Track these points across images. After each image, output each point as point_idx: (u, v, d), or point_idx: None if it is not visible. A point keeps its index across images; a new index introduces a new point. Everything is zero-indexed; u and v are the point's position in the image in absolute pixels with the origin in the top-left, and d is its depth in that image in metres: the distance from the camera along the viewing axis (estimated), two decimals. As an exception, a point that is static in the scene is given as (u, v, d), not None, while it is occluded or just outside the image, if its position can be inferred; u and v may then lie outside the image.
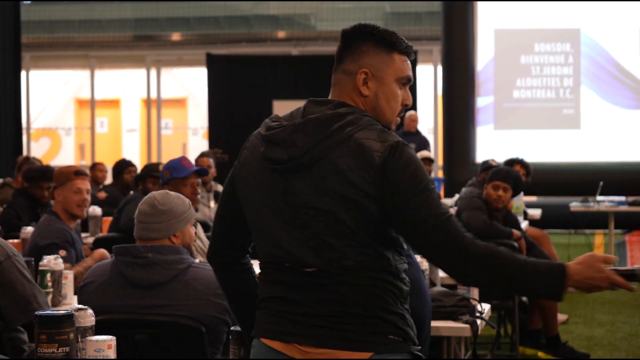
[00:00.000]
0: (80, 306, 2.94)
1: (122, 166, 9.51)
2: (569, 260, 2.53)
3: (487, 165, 8.23)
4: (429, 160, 10.38)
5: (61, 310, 2.82)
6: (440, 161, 14.48)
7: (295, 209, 2.46)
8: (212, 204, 8.69)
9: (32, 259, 4.41)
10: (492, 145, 13.17)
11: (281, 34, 16.77)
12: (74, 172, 5.25)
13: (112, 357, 2.83)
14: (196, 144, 18.37)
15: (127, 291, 3.36)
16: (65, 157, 19.10)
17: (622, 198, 10.77)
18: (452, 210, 7.17)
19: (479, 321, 4.00)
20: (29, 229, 5.65)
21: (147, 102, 17.43)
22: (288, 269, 2.48)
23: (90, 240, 6.94)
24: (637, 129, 12.99)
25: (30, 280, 3.46)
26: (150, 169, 7.11)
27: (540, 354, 6.61)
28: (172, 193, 3.53)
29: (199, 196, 5.06)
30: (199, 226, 5.08)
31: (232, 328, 2.97)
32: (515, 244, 6.34)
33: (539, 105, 13.26)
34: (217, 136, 14.90)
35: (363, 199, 2.41)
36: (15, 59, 14.84)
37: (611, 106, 13.06)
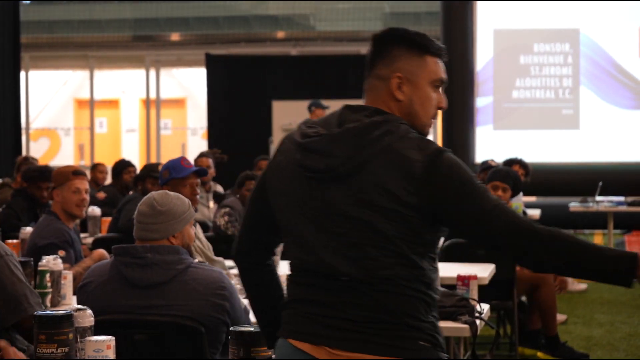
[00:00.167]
0: (80, 306, 2.94)
1: (122, 166, 9.50)
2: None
3: (486, 166, 8.23)
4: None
5: (60, 311, 2.82)
6: (439, 161, 14.46)
7: (331, 218, 2.44)
8: (211, 204, 8.69)
9: (31, 259, 4.41)
10: (491, 145, 13.17)
11: (280, 34, 16.76)
12: (73, 172, 5.24)
13: (111, 357, 2.84)
14: (195, 144, 18.35)
15: (127, 291, 3.35)
16: (64, 157, 19.08)
17: (621, 198, 10.77)
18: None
19: (478, 321, 4.00)
20: (28, 229, 5.65)
21: (147, 103, 17.43)
22: (320, 275, 2.47)
23: (90, 240, 6.94)
24: (636, 129, 12.98)
25: (22, 280, 3.46)
26: (150, 169, 7.11)
27: (540, 354, 6.60)
28: (172, 193, 3.52)
29: (198, 196, 5.05)
30: (198, 226, 5.08)
31: (231, 328, 2.97)
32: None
33: (538, 105, 13.26)
34: (216, 136, 14.87)
35: (404, 209, 2.39)
36: (14, 59, 14.83)
37: (610, 106, 13.05)
